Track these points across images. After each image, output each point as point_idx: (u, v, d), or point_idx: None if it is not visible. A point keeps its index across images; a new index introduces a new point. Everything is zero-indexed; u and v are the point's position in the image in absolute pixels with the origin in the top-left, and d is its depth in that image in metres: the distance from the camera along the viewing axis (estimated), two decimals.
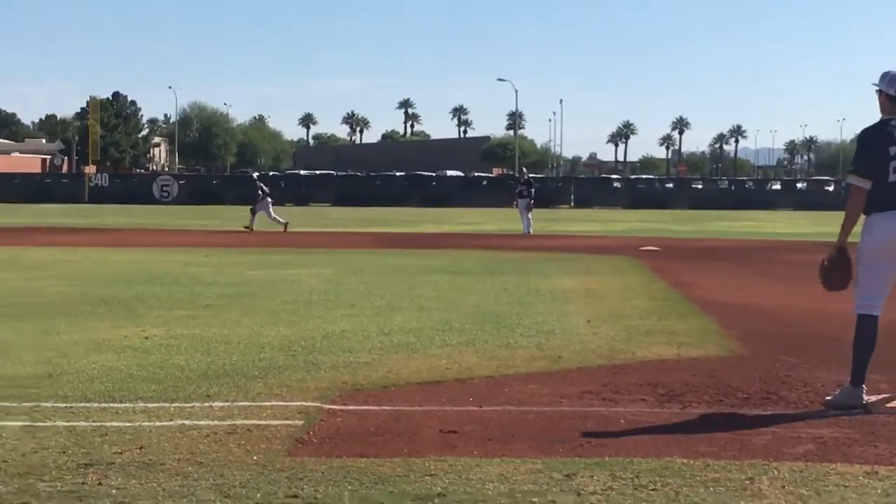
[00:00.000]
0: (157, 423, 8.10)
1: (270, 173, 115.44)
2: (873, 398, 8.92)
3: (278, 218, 41.39)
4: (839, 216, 9.45)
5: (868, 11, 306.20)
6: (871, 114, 9.41)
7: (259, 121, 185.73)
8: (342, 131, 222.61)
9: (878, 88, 9.14)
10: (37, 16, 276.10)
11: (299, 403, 8.84)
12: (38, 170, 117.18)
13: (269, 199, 43.19)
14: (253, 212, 42.19)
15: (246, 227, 41.20)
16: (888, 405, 8.81)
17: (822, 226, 48.25)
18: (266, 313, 14.79)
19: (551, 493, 6.36)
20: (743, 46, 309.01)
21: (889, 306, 9.30)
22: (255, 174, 61.59)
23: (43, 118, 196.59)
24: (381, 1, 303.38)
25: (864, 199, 8.96)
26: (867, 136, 9.19)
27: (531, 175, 57.16)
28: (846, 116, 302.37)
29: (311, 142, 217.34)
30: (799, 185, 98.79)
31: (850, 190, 9.17)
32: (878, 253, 9.01)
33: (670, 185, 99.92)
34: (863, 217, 9.08)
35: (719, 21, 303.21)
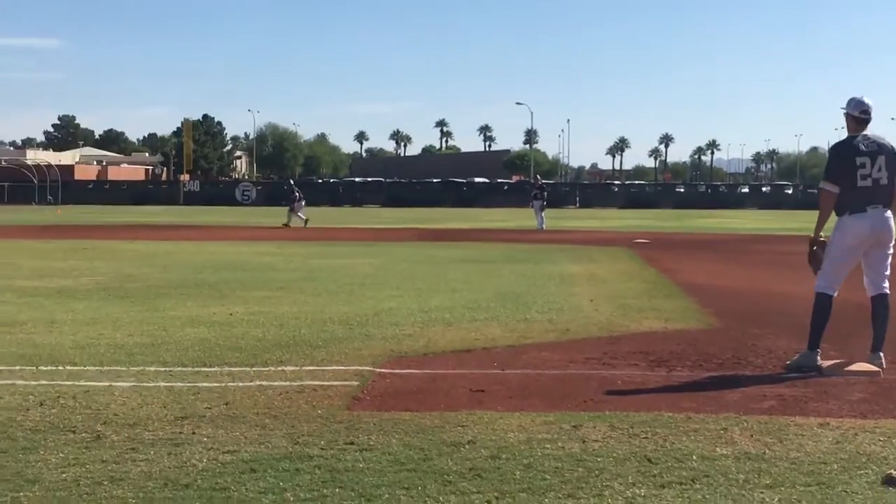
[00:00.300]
0: (240, 384, 8.12)
1: (331, 180, 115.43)
2: (825, 363, 8.89)
3: (301, 216, 41.70)
4: (797, 214, 9.64)
5: (821, 45, 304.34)
6: (822, 130, 9.52)
7: (322, 137, 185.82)
8: (389, 146, 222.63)
9: (845, 111, 9.20)
10: (140, 52, 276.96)
11: (355, 368, 8.85)
12: (142, 178, 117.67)
13: (303, 202, 43.73)
14: (292, 210, 42.54)
15: (284, 224, 41.39)
16: (838, 369, 8.77)
17: (783, 222, 47.99)
18: (328, 294, 14.81)
19: (561, 440, 6.36)
20: (716, 75, 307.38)
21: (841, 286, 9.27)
22: (291, 181, 61.27)
23: (146, 136, 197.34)
24: (421, 40, 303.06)
25: (833, 202, 8.99)
26: (837, 149, 9.26)
27: (544, 181, 57.00)
28: (802, 132, 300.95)
29: (364, 154, 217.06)
30: (763, 189, 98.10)
31: (822, 194, 9.16)
32: (848, 249, 9.06)
33: (658, 189, 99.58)
34: (835, 217, 9.10)
35: (697, 53, 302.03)
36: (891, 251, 9.15)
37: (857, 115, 9.09)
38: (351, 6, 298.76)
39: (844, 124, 9.28)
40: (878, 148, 9.03)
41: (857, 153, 8.95)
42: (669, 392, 7.96)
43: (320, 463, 5.81)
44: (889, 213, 9.03)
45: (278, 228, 39.67)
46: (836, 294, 9.11)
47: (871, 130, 9.16)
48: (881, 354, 8.93)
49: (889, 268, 9.20)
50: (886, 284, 9.16)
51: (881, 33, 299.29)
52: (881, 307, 9.12)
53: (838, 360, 9.06)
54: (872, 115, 9.17)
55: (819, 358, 8.94)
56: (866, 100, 9.14)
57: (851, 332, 9.84)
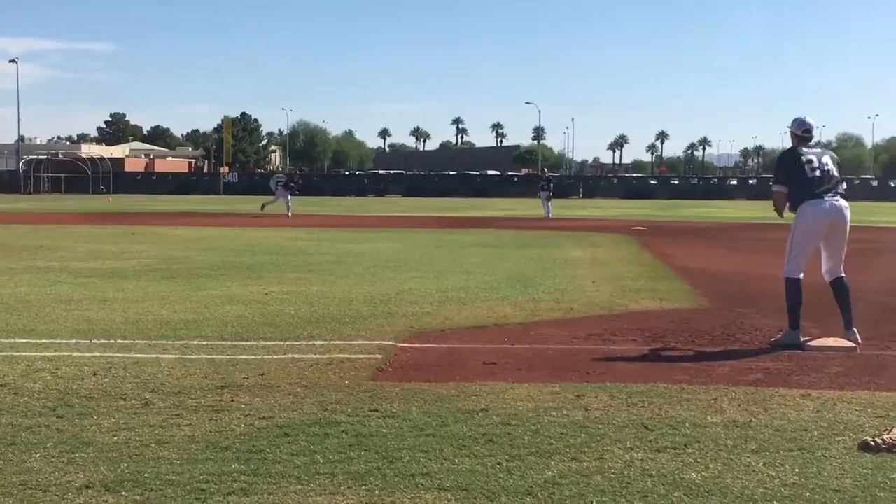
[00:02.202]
0: (274, 357, 8.14)
1: (357, 172, 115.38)
2: (806, 339, 8.87)
3: (286, 206, 39.22)
4: None
5: (805, 47, 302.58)
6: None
7: (349, 133, 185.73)
8: (410, 141, 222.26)
9: (790, 129, 9.54)
10: (185, 56, 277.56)
11: (379, 342, 8.85)
12: (185, 170, 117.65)
13: (297, 193, 41.76)
14: (277, 197, 40.49)
15: (261, 208, 39.99)
16: (817, 344, 8.75)
17: (767, 212, 47.71)
18: (354, 276, 14.82)
19: (566, 409, 6.36)
20: (708, 77, 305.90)
21: (819, 270, 9.26)
22: (297, 171, 58.55)
23: (189, 132, 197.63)
24: (439, 46, 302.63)
25: (783, 199, 9.27)
26: (782, 156, 9.65)
27: (551, 174, 57.01)
28: (786, 130, 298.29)
29: (387, 149, 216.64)
30: (751, 182, 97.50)
31: (774, 195, 9.36)
32: (808, 234, 9.12)
33: (654, 181, 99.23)
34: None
35: (690, 57, 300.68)
36: (846, 238, 9.22)
37: (801, 133, 9.40)
38: (376, 16, 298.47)
39: (790, 138, 9.57)
40: (822, 150, 9.43)
41: (802, 153, 9.22)
42: (664, 365, 7.95)
43: (347, 428, 5.82)
44: (845, 203, 9.11)
45: (327, 216, 39.34)
46: (802, 276, 9.16)
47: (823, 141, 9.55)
48: (854, 330, 8.97)
49: (844, 253, 9.30)
50: (842, 269, 9.26)
51: (863, 35, 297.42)
52: (842, 290, 9.20)
53: (818, 336, 9.04)
54: (814, 133, 9.59)
55: (801, 335, 8.95)
56: (809, 119, 9.47)
57: (829, 311, 9.79)
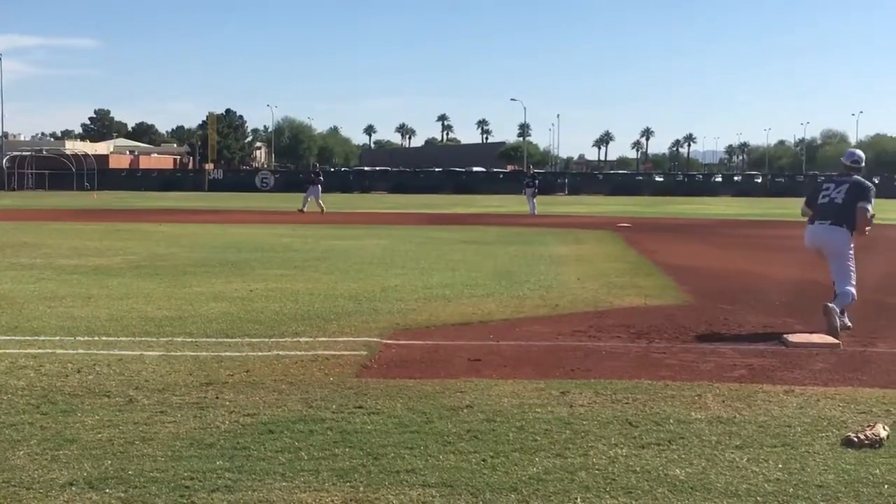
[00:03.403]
0: (259, 353, 8.13)
1: (342, 169, 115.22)
2: (790, 336, 8.91)
3: (321, 202, 39.72)
4: (765, 201, 10.16)
5: (789, 46, 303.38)
6: (789, 125, 9.99)
7: (334, 130, 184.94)
8: (396, 138, 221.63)
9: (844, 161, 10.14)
10: (169, 52, 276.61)
11: (364, 339, 8.85)
12: (170, 166, 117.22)
13: (319, 187, 41.10)
14: (311, 195, 40.36)
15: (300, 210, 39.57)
16: (801, 341, 8.78)
17: (752, 208, 48.00)
18: (339, 272, 14.81)
19: (550, 405, 6.37)
20: (693, 74, 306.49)
21: (804, 267, 9.30)
22: (317, 164, 58.93)
23: (174, 128, 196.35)
24: (424, 42, 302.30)
25: (806, 214, 10.22)
26: (815, 182, 10.34)
27: (536, 170, 57.02)
28: (771, 126, 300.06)
29: (373, 146, 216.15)
30: (735, 178, 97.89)
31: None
32: (808, 250, 10.19)
33: (639, 178, 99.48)
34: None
35: (675, 54, 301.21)
36: (843, 258, 9.72)
37: (849, 164, 10.02)
38: (361, 11, 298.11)
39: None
40: (849, 180, 9.91)
41: (828, 181, 10.15)
42: (649, 361, 7.97)
43: (332, 425, 5.82)
44: (834, 226, 9.71)
45: (314, 213, 39.33)
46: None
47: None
48: (837, 307, 9.32)
49: (847, 270, 9.71)
50: (844, 284, 9.65)
51: (847, 33, 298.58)
52: (837, 296, 9.64)
53: (803, 333, 9.09)
54: (860, 164, 10.09)
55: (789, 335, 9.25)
56: (858, 152, 10.19)
57: (814, 308, 9.85)
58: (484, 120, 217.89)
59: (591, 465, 5.09)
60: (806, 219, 10.13)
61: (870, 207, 9.68)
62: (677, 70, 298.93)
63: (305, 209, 39.77)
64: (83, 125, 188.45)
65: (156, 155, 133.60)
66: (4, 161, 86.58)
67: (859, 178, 9.93)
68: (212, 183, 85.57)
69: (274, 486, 4.73)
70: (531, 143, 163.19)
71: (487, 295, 12.09)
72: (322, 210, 38.96)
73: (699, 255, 19.80)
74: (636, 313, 10.70)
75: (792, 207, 9.74)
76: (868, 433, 5.56)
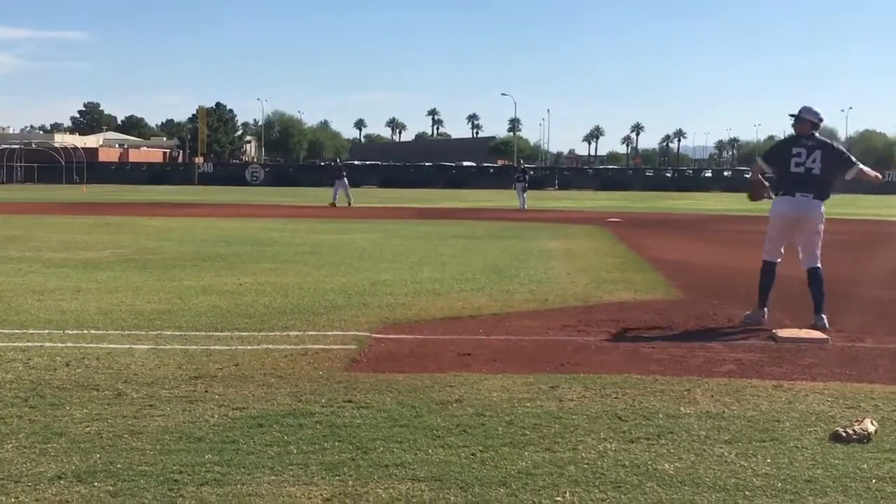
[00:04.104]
0: (249, 347, 8.12)
1: (332, 163, 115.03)
2: (779, 331, 8.93)
3: (348, 195, 40.61)
4: None
5: (778, 42, 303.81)
6: (778, 120, 9.99)
7: (324, 124, 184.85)
8: (386, 132, 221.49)
9: (804, 118, 9.74)
10: (159, 45, 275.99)
11: (353, 333, 8.84)
12: (160, 160, 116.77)
13: (345, 180, 41.75)
14: (341, 188, 41.03)
15: (331, 203, 40.08)
16: (790, 335, 8.80)
17: (742, 204, 48.03)
18: (329, 266, 14.80)
19: (540, 399, 6.37)
20: (684, 69, 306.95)
21: (794, 263, 9.35)
22: (338, 160, 60.29)
23: (164, 122, 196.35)
24: (416, 37, 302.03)
25: (758, 171, 10.22)
26: (782, 140, 10.31)
27: (526, 165, 57.10)
28: (761, 122, 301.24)
29: (363, 140, 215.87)
30: (725, 174, 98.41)
31: (755, 167, 10.26)
32: (776, 226, 9.81)
33: (629, 172, 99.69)
34: (775, 197, 9.86)
35: (666, 52, 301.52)
36: (817, 235, 9.68)
37: (817, 121, 9.72)
38: (351, 6, 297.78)
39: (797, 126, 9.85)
40: (818, 144, 9.61)
41: (795, 144, 9.66)
42: (638, 356, 7.97)
43: (321, 419, 5.82)
44: (816, 201, 9.57)
45: (305, 206, 39.37)
46: (778, 261, 9.86)
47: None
48: (823, 316, 9.37)
49: (819, 246, 9.72)
50: (816, 261, 9.67)
51: (837, 30, 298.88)
52: (814, 278, 9.63)
53: (791, 329, 9.11)
54: (821, 124, 9.83)
55: (764, 316, 9.59)
56: (815, 108, 9.76)
57: (801, 303, 9.89)
58: (474, 114, 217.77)
59: (581, 459, 5.10)
60: (749, 174, 10.06)
61: (859, 164, 9.81)
62: (667, 66, 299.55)
63: (339, 202, 40.22)
64: (72, 118, 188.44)
65: (145, 148, 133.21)
66: None
67: (829, 142, 9.72)
68: (201, 176, 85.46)
69: (263, 480, 4.73)
70: (521, 137, 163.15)
71: (477, 289, 12.09)
72: (348, 203, 39.71)
73: (689, 250, 19.84)
74: (626, 308, 10.71)
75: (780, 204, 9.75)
76: (856, 428, 5.58)
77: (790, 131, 10.16)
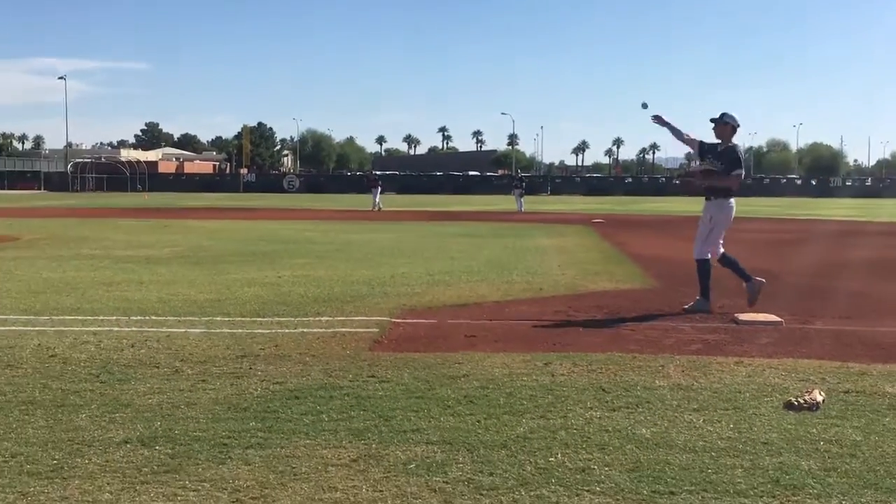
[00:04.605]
0: (287, 330, 8.12)
1: (357, 173, 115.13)
2: (740, 315, 8.90)
3: (377, 201, 40.79)
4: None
5: (739, 60, 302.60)
6: (738, 134, 9.73)
7: (350, 140, 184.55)
8: (403, 146, 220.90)
9: (730, 123, 9.51)
10: (210, 73, 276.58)
11: (376, 318, 8.84)
12: (210, 171, 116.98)
13: (380, 188, 41.99)
14: (379, 195, 41.25)
15: (377, 209, 39.79)
16: (749, 319, 8.77)
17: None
18: (355, 261, 14.80)
19: (535, 374, 6.37)
20: (657, 91, 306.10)
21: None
22: (373, 171, 61.20)
23: (214, 138, 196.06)
24: (427, 64, 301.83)
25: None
26: (739, 149, 9.66)
27: (523, 174, 57.00)
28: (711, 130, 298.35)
29: (384, 153, 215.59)
30: None
31: (738, 180, 9.55)
32: (728, 224, 9.67)
33: (611, 180, 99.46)
34: (720, 200, 9.54)
35: (643, 73, 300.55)
36: None
37: (738, 127, 9.57)
38: (374, 40, 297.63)
39: (722, 131, 9.57)
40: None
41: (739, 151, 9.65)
42: (620, 337, 7.95)
43: (348, 391, 5.82)
44: None
45: (334, 210, 39.40)
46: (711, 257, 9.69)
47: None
48: (751, 280, 9.44)
49: None
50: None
51: (789, 54, 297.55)
52: (732, 259, 9.62)
53: (751, 313, 9.08)
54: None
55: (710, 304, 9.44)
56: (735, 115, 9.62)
57: (762, 291, 9.84)
58: (478, 131, 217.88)
59: (570, 425, 5.09)
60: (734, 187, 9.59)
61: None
62: (644, 88, 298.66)
63: (377, 208, 40.11)
64: (136, 136, 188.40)
65: (198, 161, 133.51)
66: (69, 167, 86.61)
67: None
68: (246, 185, 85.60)
69: (299, 444, 4.73)
70: (519, 150, 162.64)
71: (481, 280, 12.08)
72: (378, 208, 39.75)
73: (663, 246, 19.79)
74: (608, 296, 10.69)
75: (743, 206, 9.68)
76: (806, 398, 5.57)
77: (749, 143, 10.15)
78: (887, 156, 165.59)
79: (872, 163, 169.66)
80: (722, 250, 9.61)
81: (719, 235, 9.54)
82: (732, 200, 9.58)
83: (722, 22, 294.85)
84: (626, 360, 6.89)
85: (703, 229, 9.54)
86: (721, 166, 9.40)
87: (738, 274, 9.55)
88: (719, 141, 9.51)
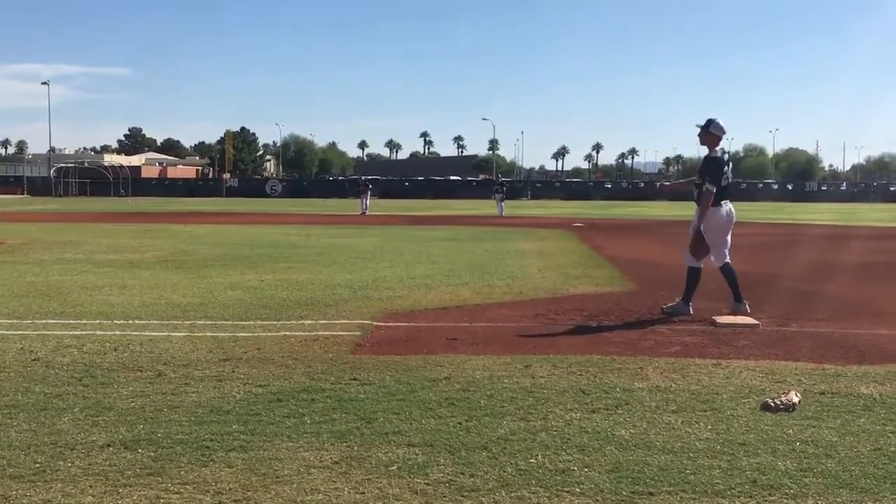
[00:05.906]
0: (269, 334, 8.10)
1: (340, 178, 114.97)
2: (718, 318, 8.94)
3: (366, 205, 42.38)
4: (695, 204, 9.69)
5: (719, 71, 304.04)
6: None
7: (332, 145, 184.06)
8: (385, 151, 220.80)
9: (712, 131, 9.42)
10: (192, 78, 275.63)
11: (358, 321, 8.82)
12: (193, 176, 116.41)
13: (369, 192, 43.97)
14: (365, 199, 42.97)
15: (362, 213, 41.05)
16: (727, 321, 8.81)
17: (686, 210, 48.12)
18: (337, 265, 14.77)
19: (515, 376, 6.37)
20: (635, 97, 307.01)
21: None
22: (363, 177, 63.24)
23: (197, 143, 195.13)
24: (409, 70, 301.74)
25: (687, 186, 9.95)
26: (717, 160, 9.45)
27: (504, 179, 57.10)
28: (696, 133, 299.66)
29: (366, 158, 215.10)
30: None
31: (708, 195, 9.35)
32: (719, 231, 9.49)
33: (591, 185, 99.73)
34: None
35: (619, 81, 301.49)
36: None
37: (721, 136, 9.44)
38: (355, 46, 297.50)
39: (706, 139, 9.47)
40: (728, 157, 9.78)
41: (724, 163, 9.49)
42: (599, 339, 7.97)
43: (330, 394, 5.81)
44: (732, 204, 9.56)
45: (315, 215, 39.47)
46: (702, 266, 9.64)
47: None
48: (745, 302, 9.36)
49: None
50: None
51: (766, 60, 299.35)
52: (729, 273, 9.52)
53: (729, 315, 9.12)
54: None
55: (691, 308, 9.43)
56: (722, 122, 9.45)
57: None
58: (459, 136, 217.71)
59: (550, 427, 5.10)
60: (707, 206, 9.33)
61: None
62: (622, 94, 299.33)
63: (364, 212, 41.61)
64: (119, 141, 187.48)
65: (181, 166, 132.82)
66: (52, 171, 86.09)
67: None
68: (228, 190, 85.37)
69: (282, 446, 4.71)
70: (499, 155, 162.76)
71: (462, 284, 12.07)
72: (365, 212, 41.14)
73: (641, 249, 19.86)
74: (588, 299, 10.70)
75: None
76: (783, 399, 5.59)
77: (727, 148, 10.04)
78: (862, 160, 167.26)
79: (847, 168, 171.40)
80: (727, 259, 9.51)
81: (717, 243, 9.45)
82: (723, 207, 9.43)
83: (702, 32, 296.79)
84: (606, 362, 6.91)
85: (694, 235, 9.53)
86: (698, 179, 9.52)
87: (731, 287, 9.47)
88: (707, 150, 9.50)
